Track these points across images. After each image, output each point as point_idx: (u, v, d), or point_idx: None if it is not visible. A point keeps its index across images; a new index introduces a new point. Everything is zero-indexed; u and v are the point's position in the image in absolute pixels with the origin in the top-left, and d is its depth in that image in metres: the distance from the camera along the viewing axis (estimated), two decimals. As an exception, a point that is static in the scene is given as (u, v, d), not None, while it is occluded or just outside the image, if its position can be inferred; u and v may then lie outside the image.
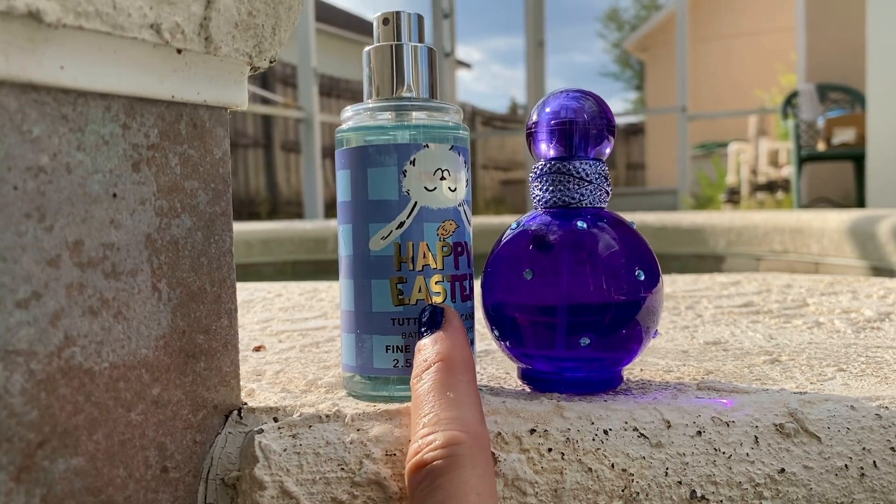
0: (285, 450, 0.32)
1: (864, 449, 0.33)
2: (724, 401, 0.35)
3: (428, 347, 0.34)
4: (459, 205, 0.37)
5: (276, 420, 0.34)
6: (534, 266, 0.36)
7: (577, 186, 0.37)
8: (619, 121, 9.39)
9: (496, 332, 0.38)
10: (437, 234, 0.37)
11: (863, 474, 0.33)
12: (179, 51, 0.31)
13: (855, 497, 0.32)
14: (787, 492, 0.32)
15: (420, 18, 0.38)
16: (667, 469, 0.32)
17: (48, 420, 0.27)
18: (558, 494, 0.32)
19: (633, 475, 0.32)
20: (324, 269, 2.44)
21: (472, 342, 0.38)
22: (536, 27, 4.95)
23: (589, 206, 0.38)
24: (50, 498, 0.27)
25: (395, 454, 0.32)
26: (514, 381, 0.40)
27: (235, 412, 0.36)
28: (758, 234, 2.09)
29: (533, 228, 0.38)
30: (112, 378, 0.30)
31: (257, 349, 0.52)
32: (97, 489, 0.29)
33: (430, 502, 0.27)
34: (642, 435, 0.33)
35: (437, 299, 0.37)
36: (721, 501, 0.32)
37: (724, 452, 0.33)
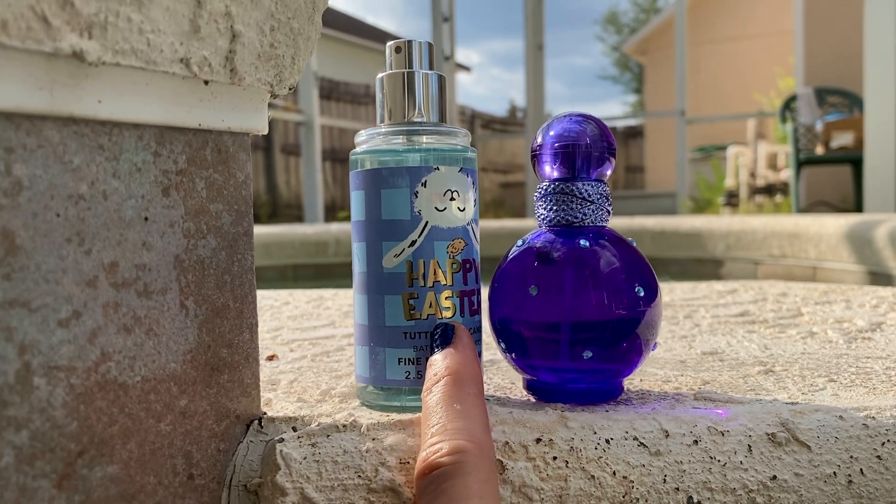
0: (305, 458, 0.34)
1: (851, 457, 0.35)
2: (720, 411, 0.37)
3: (438, 362, 0.36)
4: (468, 224, 0.39)
5: (295, 429, 0.36)
6: (539, 282, 0.38)
7: (579, 206, 0.39)
8: (619, 124, 9.42)
9: (502, 345, 0.40)
10: (447, 252, 0.38)
11: (850, 481, 0.34)
12: (206, 82, 0.33)
13: (843, 503, 0.34)
14: (779, 498, 0.34)
15: (430, 47, 0.40)
16: (665, 476, 0.34)
17: (86, 431, 0.29)
18: (563, 501, 0.34)
19: (633, 482, 0.34)
20: (324, 273, 2.47)
21: (480, 354, 0.40)
22: (536, 30, 4.98)
23: (591, 224, 0.40)
24: (88, 504, 0.29)
25: (408, 462, 0.34)
26: (519, 391, 0.42)
27: (256, 422, 0.37)
28: (756, 239, 2.11)
29: (538, 246, 0.40)
30: (144, 391, 0.32)
31: (270, 358, 0.54)
32: (130, 495, 0.31)
33: None
34: (642, 444, 0.35)
35: (447, 314, 0.38)
36: (716, 507, 0.34)
37: (719, 460, 0.35)
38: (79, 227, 0.29)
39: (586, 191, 0.39)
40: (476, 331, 0.40)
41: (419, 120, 0.39)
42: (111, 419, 0.30)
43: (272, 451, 0.35)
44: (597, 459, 0.34)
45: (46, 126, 0.28)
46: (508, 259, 0.41)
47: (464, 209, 0.39)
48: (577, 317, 0.37)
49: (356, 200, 0.40)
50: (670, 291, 0.85)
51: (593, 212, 0.39)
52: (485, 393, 0.42)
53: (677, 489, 0.34)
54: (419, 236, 0.38)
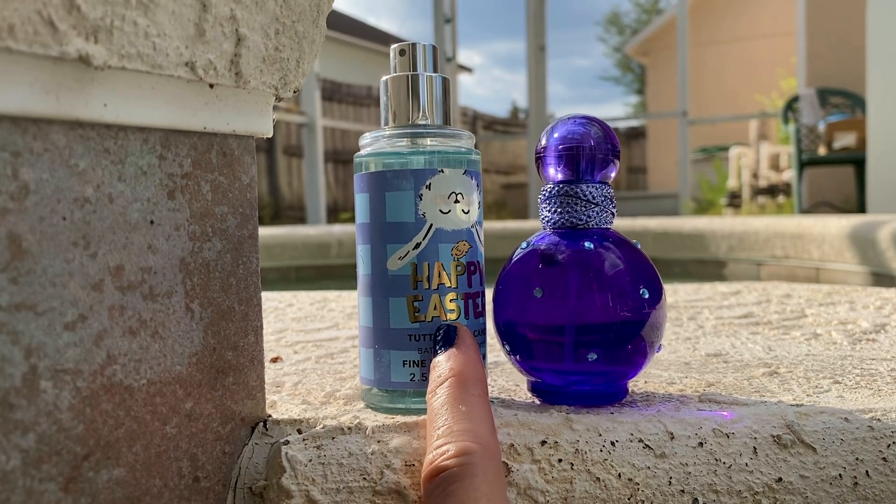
0: (310, 460, 0.34)
1: (857, 459, 0.35)
2: (725, 413, 0.37)
3: (442, 364, 0.36)
4: (472, 226, 0.39)
5: (300, 432, 0.36)
6: (543, 285, 0.38)
7: (584, 208, 0.39)
8: (621, 125, 9.41)
9: (507, 347, 0.40)
10: (452, 255, 0.38)
11: (856, 483, 0.34)
12: (212, 85, 0.33)
13: (848, 505, 0.34)
14: (785, 500, 0.34)
15: (434, 50, 0.40)
16: (670, 478, 0.34)
17: (92, 434, 0.29)
18: (568, 503, 0.34)
19: (638, 484, 0.34)
20: (327, 275, 2.47)
21: (484, 356, 0.40)
22: (537, 31, 4.97)
23: (595, 226, 0.40)
24: (94, 507, 0.29)
25: (413, 465, 0.34)
26: (523, 393, 0.42)
27: (261, 424, 0.37)
28: (759, 240, 2.11)
29: (542, 248, 0.40)
30: (149, 394, 0.32)
31: (274, 360, 0.54)
32: (136, 498, 0.31)
33: None
34: (647, 446, 0.35)
35: (452, 316, 0.38)
36: (722, 509, 0.34)
37: (724, 462, 0.35)
38: (85, 231, 0.29)
39: (590, 193, 0.39)
40: (480, 333, 0.40)
41: (423, 122, 0.39)
42: (117, 422, 0.30)
43: (277, 454, 0.35)
44: (602, 462, 0.34)
45: (53, 130, 0.28)
46: (513, 261, 0.41)
47: (468, 211, 0.39)
48: (581, 319, 0.37)
49: (360, 203, 0.40)
50: (674, 293, 0.85)
51: (597, 214, 0.39)
52: (489, 395, 0.42)
53: (682, 491, 0.34)
54: (423, 239, 0.38)
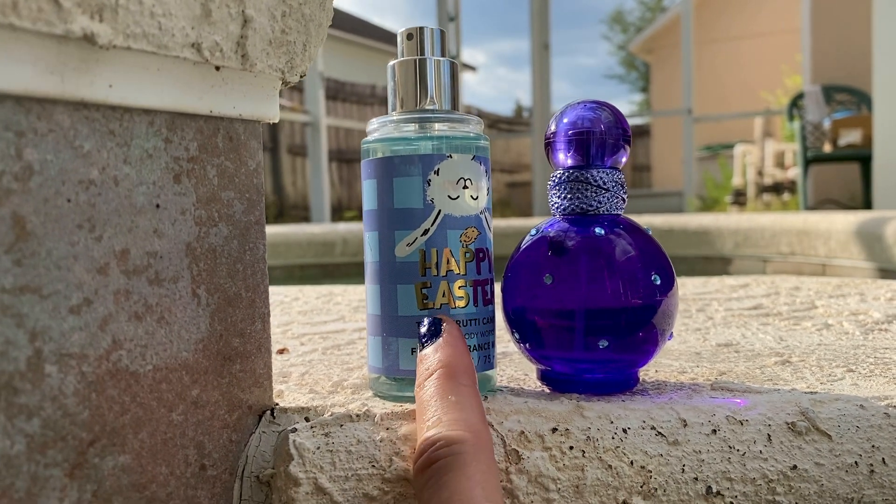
0: (318, 448, 0.34)
1: (873, 447, 0.34)
2: (738, 400, 0.36)
3: (430, 356, 0.35)
4: (481, 212, 0.39)
5: (307, 419, 0.36)
6: (553, 271, 0.38)
7: (594, 194, 0.39)
8: (625, 123, 9.37)
9: (516, 335, 0.40)
10: (460, 241, 0.38)
11: (872, 471, 0.34)
12: (218, 68, 0.33)
13: (865, 493, 0.34)
14: (800, 488, 0.34)
15: (442, 34, 0.40)
16: (683, 466, 0.34)
17: (98, 420, 0.29)
18: (580, 490, 0.34)
19: (651, 472, 0.34)
20: (332, 273, 2.46)
21: (492, 345, 0.40)
22: (541, 30, 4.96)
23: (606, 212, 0.39)
24: (100, 493, 0.29)
25: (423, 452, 0.34)
26: (533, 383, 0.42)
27: (268, 412, 0.37)
28: (765, 236, 2.10)
29: (552, 235, 0.39)
30: (155, 380, 0.31)
31: (281, 352, 0.54)
32: (142, 485, 0.31)
33: (436, 500, 0.29)
34: (660, 433, 0.34)
35: (460, 304, 0.38)
36: (736, 497, 0.34)
37: (738, 450, 0.34)
38: (90, 214, 0.29)
39: (601, 178, 0.39)
40: (489, 321, 0.40)
41: (431, 107, 0.39)
42: (123, 408, 0.30)
43: (285, 442, 0.34)
44: (614, 449, 0.34)
45: (57, 110, 0.27)
46: (521, 249, 0.40)
47: (477, 197, 0.39)
48: (592, 304, 0.37)
49: (368, 189, 0.39)
50: (682, 286, 0.84)
51: (608, 199, 0.39)
52: (498, 384, 0.41)
53: (696, 479, 0.34)
54: (432, 225, 0.38)
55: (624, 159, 0.40)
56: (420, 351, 0.36)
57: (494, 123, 8.79)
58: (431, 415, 0.32)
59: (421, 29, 0.39)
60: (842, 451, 0.34)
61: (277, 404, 0.38)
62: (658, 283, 0.38)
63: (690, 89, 4.69)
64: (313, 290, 0.89)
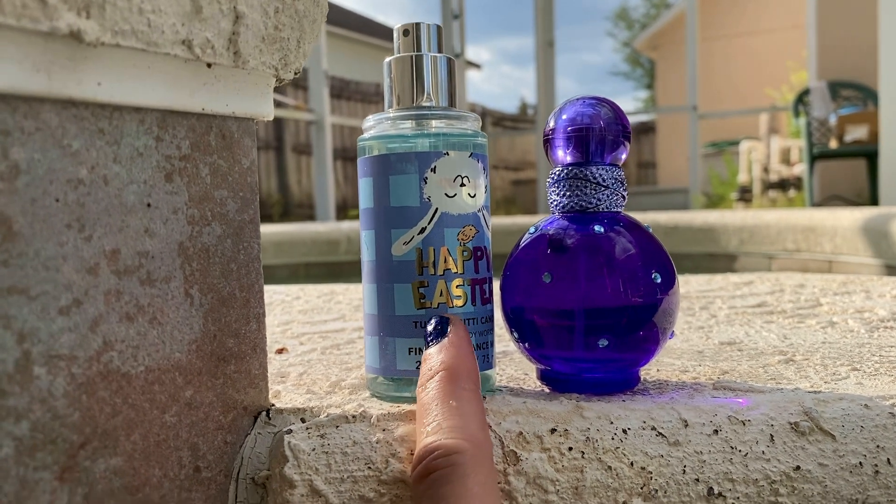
0: (314, 449, 0.33)
1: (878, 447, 0.33)
2: (740, 400, 0.36)
3: (433, 357, 0.34)
4: (479, 210, 0.38)
5: (303, 420, 0.35)
6: (552, 269, 0.37)
7: (593, 191, 0.38)
8: (630, 120, 9.37)
9: (515, 335, 0.39)
10: (458, 239, 0.38)
11: (877, 471, 0.33)
12: (209, 65, 0.32)
13: (869, 494, 0.33)
14: (803, 489, 0.33)
15: (439, 29, 0.39)
16: (685, 467, 0.33)
17: (89, 422, 0.29)
18: (579, 492, 0.33)
19: (651, 473, 0.33)
20: (336, 272, 2.46)
21: (491, 344, 0.39)
22: (546, 27, 4.95)
23: (605, 210, 0.39)
24: (91, 496, 0.29)
25: (419, 453, 0.33)
26: (532, 382, 0.41)
27: (264, 413, 0.37)
28: (770, 233, 2.09)
29: (551, 233, 0.39)
30: (147, 381, 0.31)
31: (279, 351, 0.53)
32: (135, 488, 0.30)
33: None
34: (660, 434, 0.34)
35: (458, 303, 0.37)
36: (738, 498, 0.33)
37: (740, 450, 0.33)
38: (79, 213, 0.28)
39: (600, 175, 0.38)
40: (488, 320, 0.39)
41: (428, 104, 0.38)
42: (114, 410, 0.30)
43: (280, 443, 0.34)
44: (614, 450, 0.33)
45: (44, 109, 0.27)
46: (520, 247, 0.40)
47: (474, 195, 0.38)
48: (591, 303, 0.36)
49: (364, 187, 0.39)
50: (685, 283, 0.83)
51: (608, 197, 0.38)
52: (497, 384, 0.41)
53: (697, 480, 0.33)
54: (429, 223, 0.37)
55: (624, 156, 0.39)
56: (424, 350, 0.35)
57: (499, 121, 8.78)
58: (431, 420, 0.31)
59: (417, 25, 0.39)
60: (846, 451, 0.33)
61: (273, 405, 0.38)
62: (658, 281, 0.37)
63: (695, 86, 4.68)
64: (315, 289, 0.89)
